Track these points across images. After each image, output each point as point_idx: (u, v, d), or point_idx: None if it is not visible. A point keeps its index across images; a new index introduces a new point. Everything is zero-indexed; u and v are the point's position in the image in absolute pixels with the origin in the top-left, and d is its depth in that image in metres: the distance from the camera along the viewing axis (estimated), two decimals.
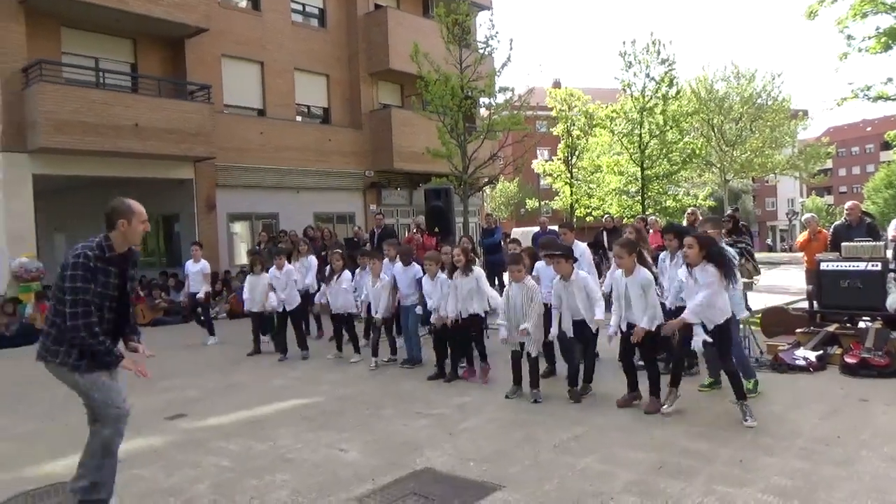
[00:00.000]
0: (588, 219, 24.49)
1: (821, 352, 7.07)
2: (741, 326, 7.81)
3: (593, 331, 6.17)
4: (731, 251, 6.16)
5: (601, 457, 4.64)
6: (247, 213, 18.23)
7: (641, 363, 5.97)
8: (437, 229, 11.08)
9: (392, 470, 4.56)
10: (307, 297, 9.90)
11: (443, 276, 7.38)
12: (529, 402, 6.19)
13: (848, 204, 10.01)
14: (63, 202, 20.26)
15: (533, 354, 6.25)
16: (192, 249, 11.25)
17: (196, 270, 10.96)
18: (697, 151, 23.37)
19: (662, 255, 6.94)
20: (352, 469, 4.63)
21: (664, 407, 5.51)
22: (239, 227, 18.57)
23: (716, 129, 34.25)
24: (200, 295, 10.86)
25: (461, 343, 7.30)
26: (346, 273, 8.84)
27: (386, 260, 8.67)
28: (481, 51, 16.33)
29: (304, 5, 19.96)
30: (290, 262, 9.76)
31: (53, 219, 21.17)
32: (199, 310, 11.24)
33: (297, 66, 19.37)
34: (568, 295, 6.17)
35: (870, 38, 15.13)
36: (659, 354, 5.90)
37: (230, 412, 6.36)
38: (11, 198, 13.96)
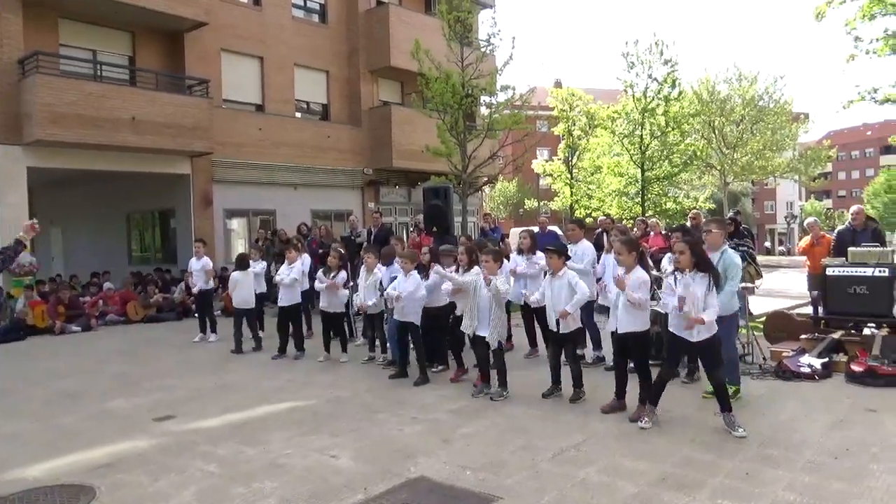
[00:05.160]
0: (588, 220, 24.31)
1: (826, 359, 6.91)
2: (743, 331, 7.70)
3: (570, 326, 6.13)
4: (731, 251, 6.02)
5: (602, 467, 4.48)
6: (244, 209, 18.03)
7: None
8: (435, 228, 10.92)
9: (385, 478, 4.40)
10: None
11: (416, 274, 7.40)
12: (497, 399, 6.30)
13: (853, 208, 9.85)
14: (59, 196, 20.10)
15: (494, 346, 6.35)
16: (195, 246, 11.22)
17: (199, 267, 10.93)
18: (698, 153, 23.20)
19: (668, 256, 6.81)
20: (343, 477, 4.47)
21: (640, 423, 5.32)
22: (236, 224, 18.39)
23: (717, 131, 34.10)
24: (197, 289, 10.79)
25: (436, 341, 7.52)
26: (342, 273, 8.70)
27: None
28: (483, 49, 16.15)
29: (304, 0, 19.77)
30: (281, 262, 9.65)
31: (49, 212, 20.99)
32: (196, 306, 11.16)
33: (297, 62, 19.17)
34: (552, 290, 6.19)
35: (878, 39, 14.95)
36: (670, 362, 5.70)
37: (220, 414, 6.20)
38: (6, 190, 13.75)
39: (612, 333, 5.76)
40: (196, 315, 11.18)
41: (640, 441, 5.00)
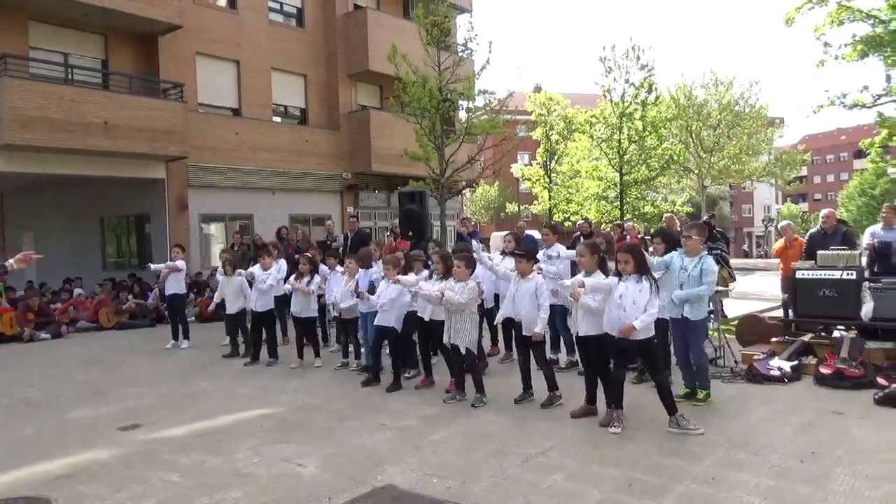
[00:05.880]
0: (566, 224, 24.39)
1: (795, 362, 6.97)
2: (715, 334, 7.75)
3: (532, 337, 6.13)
4: (710, 259, 6.07)
5: (570, 473, 4.46)
6: (220, 214, 17.86)
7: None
8: (410, 233, 10.87)
9: (351, 487, 4.34)
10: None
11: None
12: (477, 405, 6.28)
13: (824, 211, 9.96)
14: (31, 200, 19.79)
15: (462, 351, 6.37)
16: (173, 251, 11.16)
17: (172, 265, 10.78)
18: (675, 157, 23.36)
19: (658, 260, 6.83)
20: (308, 486, 4.40)
21: (610, 428, 5.33)
22: (213, 229, 18.20)
23: (694, 136, 34.47)
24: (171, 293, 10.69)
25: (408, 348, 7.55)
26: (317, 277, 8.64)
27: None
28: (460, 53, 16.15)
29: (281, 4, 19.64)
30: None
31: (21, 217, 20.68)
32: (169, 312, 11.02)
33: (274, 66, 19.05)
34: (518, 294, 6.24)
35: (846, 45, 15.20)
36: (618, 364, 5.70)
37: (187, 423, 6.09)
38: None
39: (576, 337, 5.79)
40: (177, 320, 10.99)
41: (610, 446, 4.99)
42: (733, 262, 30.94)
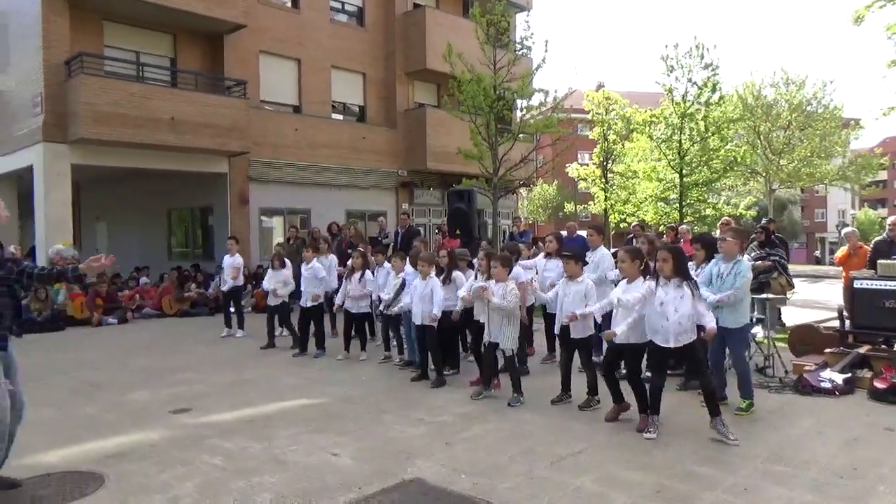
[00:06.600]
0: (622, 225, 23.97)
1: (849, 374, 6.70)
2: (765, 342, 7.53)
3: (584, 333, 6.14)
4: (745, 262, 5.92)
5: (597, 477, 4.45)
6: (279, 208, 18.37)
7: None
8: (458, 231, 10.93)
9: (380, 478, 4.46)
10: (326, 295, 9.89)
11: (435, 278, 7.41)
12: (514, 405, 6.29)
13: (891, 219, 9.51)
14: (105, 191, 20.81)
15: (507, 353, 6.41)
16: (227, 243, 11.50)
17: (229, 263, 11.22)
18: (739, 159, 22.61)
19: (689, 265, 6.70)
20: (340, 475, 4.54)
21: (645, 434, 5.26)
22: (273, 222, 18.75)
23: (762, 137, 33.24)
24: (224, 287, 11.02)
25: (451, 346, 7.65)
26: (368, 273, 8.81)
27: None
28: (516, 52, 16.10)
29: (343, 3, 20.02)
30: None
31: (95, 208, 21.77)
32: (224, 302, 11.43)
33: (334, 64, 19.44)
34: (566, 295, 6.20)
35: None
36: (658, 369, 5.60)
37: (234, 409, 6.34)
38: (51, 187, 14.34)
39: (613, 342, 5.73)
40: (230, 311, 11.40)
41: (642, 452, 4.94)
42: (801, 268, 29.64)
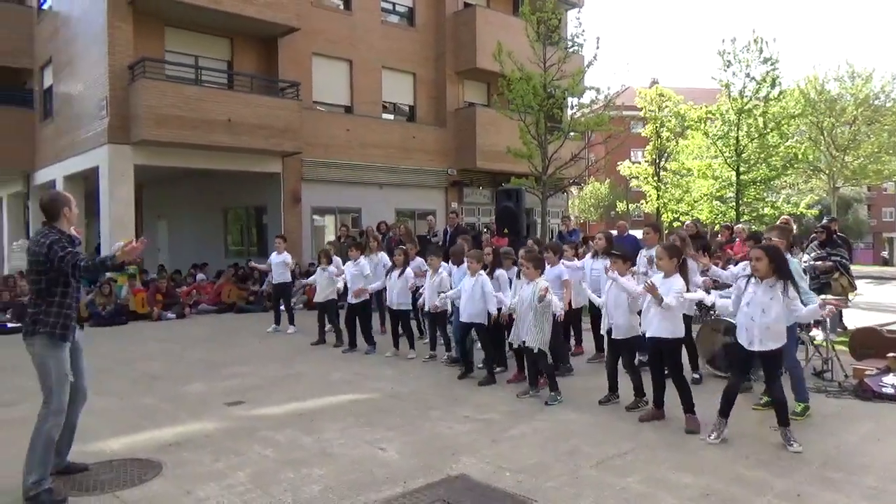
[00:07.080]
0: (675, 224, 23.47)
1: None
2: (823, 345, 7.29)
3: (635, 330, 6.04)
4: (795, 263, 5.74)
5: (644, 477, 4.40)
6: (330, 207, 18.71)
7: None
8: (506, 230, 10.93)
9: (426, 473, 4.51)
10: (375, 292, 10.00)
11: (484, 275, 7.38)
12: (551, 403, 6.29)
13: None
14: (165, 191, 21.57)
15: (535, 351, 6.39)
16: (275, 242, 11.77)
17: (279, 261, 11.50)
18: (800, 156, 21.85)
19: (742, 265, 6.55)
20: (387, 469, 4.62)
21: (709, 438, 5.11)
22: (325, 220, 19.11)
23: (825, 133, 32.01)
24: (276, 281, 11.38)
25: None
26: (408, 270, 8.90)
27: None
28: (566, 49, 15.96)
29: (394, 4, 20.24)
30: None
31: (156, 207, 22.58)
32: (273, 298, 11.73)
33: (385, 65, 19.67)
34: (614, 295, 6.13)
35: None
36: (738, 372, 5.46)
37: (285, 402, 6.52)
38: (115, 186, 14.97)
39: (647, 338, 5.66)
40: (280, 308, 11.68)
41: (690, 453, 4.86)
42: (867, 269, 28.47)
